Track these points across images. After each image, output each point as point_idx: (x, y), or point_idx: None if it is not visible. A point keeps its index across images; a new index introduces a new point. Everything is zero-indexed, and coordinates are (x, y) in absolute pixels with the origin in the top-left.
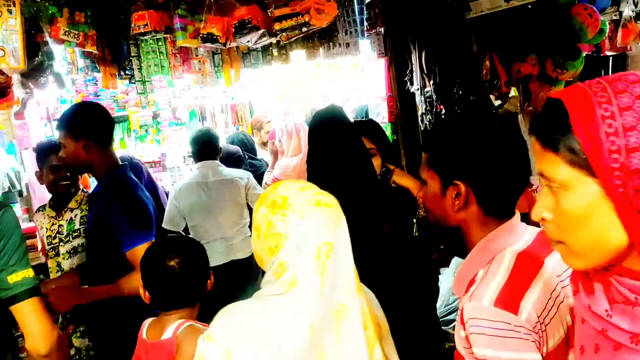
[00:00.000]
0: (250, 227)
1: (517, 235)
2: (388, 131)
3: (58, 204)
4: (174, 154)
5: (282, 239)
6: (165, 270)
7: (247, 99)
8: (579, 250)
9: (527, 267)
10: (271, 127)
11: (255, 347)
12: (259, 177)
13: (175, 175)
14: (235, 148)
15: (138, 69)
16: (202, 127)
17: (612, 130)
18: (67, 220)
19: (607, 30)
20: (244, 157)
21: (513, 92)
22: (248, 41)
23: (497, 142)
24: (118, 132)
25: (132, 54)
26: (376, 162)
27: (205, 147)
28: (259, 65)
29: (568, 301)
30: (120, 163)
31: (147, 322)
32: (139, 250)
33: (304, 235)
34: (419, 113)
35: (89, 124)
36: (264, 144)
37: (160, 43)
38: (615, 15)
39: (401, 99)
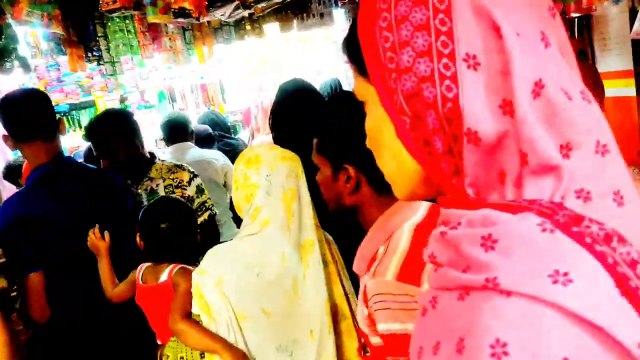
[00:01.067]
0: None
1: (413, 210)
2: None
3: None
4: (145, 137)
5: (256, 189)
6: (160, 226)
7: (217, 78)
8: (389, 177)
9: (424, 239)
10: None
11: (240, 274)
12: (235, 158)
13: None
14: (203, 127)
15: (106, 49)
16: (172, 111)
17: (386, 24)
18: None
19: None
20: (215, 135)
21: None
22: (222, 15)
23: None
24: (84, 118)
25: (99, 34)
26: None
27: (176, 130)
28: (232, 40)
29: None
30: (63, 156)
31: (142, 267)
32: None
33: (273, 183)
34: None
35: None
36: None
37: (127, 21)
38: None
39: None
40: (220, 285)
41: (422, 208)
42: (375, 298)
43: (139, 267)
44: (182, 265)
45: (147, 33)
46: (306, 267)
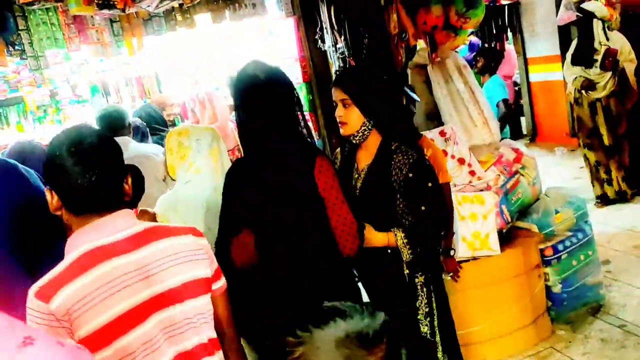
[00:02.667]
0: None
1: (105, 232)
2: (303, 92)
3: None
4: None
5: (188, 150)
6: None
7: (152, 71)
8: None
9: (85, 261)
10: (174, 109)
11: (189, 205)
12: None
13: None
14: (135, 120)
15: (29, 43)
16: (108, 104)
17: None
18: None
19: None
20: (149, 127)
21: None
22: (148, 6)
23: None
24: (13, 115)
25: (21, 28)
26: (352, 113)
27: (113, 124)
28: (162, 31)
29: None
30: None
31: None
32: None
33: (202, 145)
34: (333, 70)
35: None
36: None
37: (50, 13)
38: None
39: (314, 58)
40: (178, 214)
41: (126, 231)
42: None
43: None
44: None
45: (72, 25)
46: None
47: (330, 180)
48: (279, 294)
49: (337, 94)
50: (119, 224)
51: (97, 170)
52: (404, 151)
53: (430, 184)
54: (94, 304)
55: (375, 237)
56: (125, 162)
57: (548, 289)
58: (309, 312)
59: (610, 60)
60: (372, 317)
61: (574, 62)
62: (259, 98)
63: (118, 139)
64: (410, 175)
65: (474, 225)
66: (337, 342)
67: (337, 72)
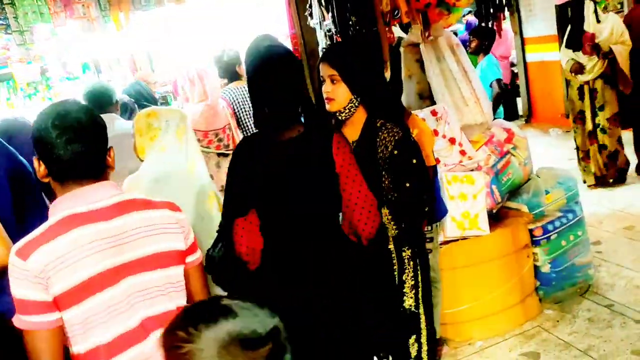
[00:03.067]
0: None
1: (84, 201)
2: None
3: None
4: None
5: (158, 130)
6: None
7: (143, 48)
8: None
9: (62, 226)
10: (156, 86)
11: (153, 184)
12: None
13: None
14: (123, 97)
15: (14, 17)
16: (94, 81)
17: None
18: None
19: None
20: (138, 104)
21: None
22: None
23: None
24: (2, 91)
25: (6, 1)
26: (340, 89)
27: (100, 101)
28: (150, 7)
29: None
30: None
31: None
32: None
33: (170, 125)
34: (320, 48)
35: None
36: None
37: None
38: None
39: (305, 35)
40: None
41: (103, 201)
42: None
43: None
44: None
45: (57, 0)
46: (192, 171)
47: (348, 157)
48: (285, 286)
49: (325, 70)
50: (100, 194)
51: (79, 143)
52: (389, 128)
53: (414, 161)
54: (67, 265)
55: None
56: (111, 140)
57: (537, 268)
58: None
59: (589, 45)
60: (262, 320)
61: (567, 45)
62: (283, 71)
63: (104, 116)
64: (395, 152)
65: (464, 204)
66: (220, 346)
67: (324, 49)
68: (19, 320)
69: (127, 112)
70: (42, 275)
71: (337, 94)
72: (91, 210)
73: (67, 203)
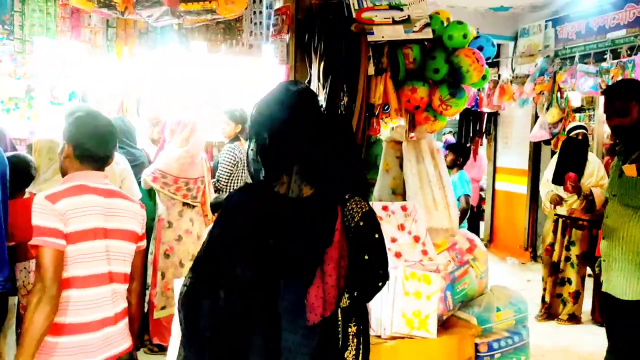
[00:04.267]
0: None
1: (91, 180)
2: None
3: None
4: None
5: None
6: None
7: (136, 90)
8: None
9: (77, 189)
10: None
11: None
12: (135, 168)
13: None
14: None
15: (20, 26)
16: (80, 104)
17: None
18: None
19: (487, 88)
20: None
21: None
22: (149, 16)
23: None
24: None
25: (16, 9)
26: None
27: None
28: (156, 47)
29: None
30: None
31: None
32: None
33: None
34: None
35: None
36: (154, 141)
37: (49, 3)
38: (495, 76)
39: None
40: None
41: (102, 183)
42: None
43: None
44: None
45: (68, 19)
46: None
47: (340, 228)
48: None
49: None
50: (100, 179)
51: (107, 150)
52: (357, 201)
53: (377, 236)
54: (78, 215)
55: None
56: None
57: None
58: None
59: (571, 184)
60: None
61: (553, 180)
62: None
63: None
64: (361, 223)
65: (417, 303)
66: None
67: None
68: (42, 240)
69: None
70: (64, 216)
71: None
72: (95, 187)
73: (81, 178)
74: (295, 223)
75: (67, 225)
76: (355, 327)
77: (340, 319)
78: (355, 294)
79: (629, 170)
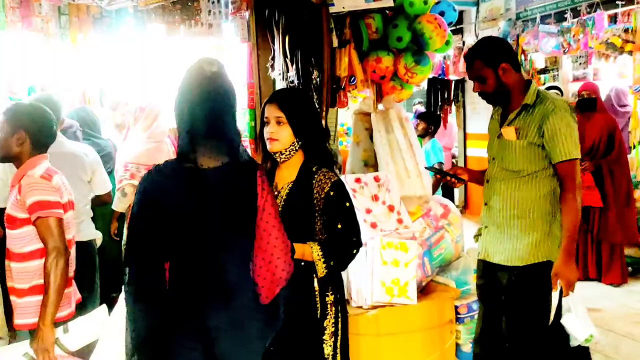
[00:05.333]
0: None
1: (48, 163)
2: (247, 118)
3: None
4: None
5: None
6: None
7: (97, 79)
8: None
9: (52, 170)
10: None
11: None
12: (103, 158)
13: None
14: (70, 121)
15: None
16: (42, 92)
17: None
18: None
19: (452, 56)
20: (81, 132)
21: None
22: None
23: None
24: None
25: None
26: (284, 131)
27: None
28: (111, 33)
29: None
30: None
31: None
32: None
33: None
34: None
35: None
36: (118, 126)
37: None
38: (459, 42)
39: (262, 86)
40: None
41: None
42: (27, 187)
43: None
44: None
45: (17, 9)
46: None
47: (269, 195)
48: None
49: (272, 111)
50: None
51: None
52: (324, 172)
53: (347, 204)
54: (63, 190)
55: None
56: (57, 157)
57: (458, 347)
58: None
59: None
60: None
61: None
62: (228, 98)
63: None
64: (332, 193)
65: (395, 271)
66: None
67: (273, 93)
68: (48, 212)
69: (72, 136)
70: (59, 190)
71: (281, 136)
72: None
73: (42, 161)
74: (213, 192)
75: (62, 198)
76: (332, 296)
77: (317, 289)
78: (332, 263)
79: (508, 133)
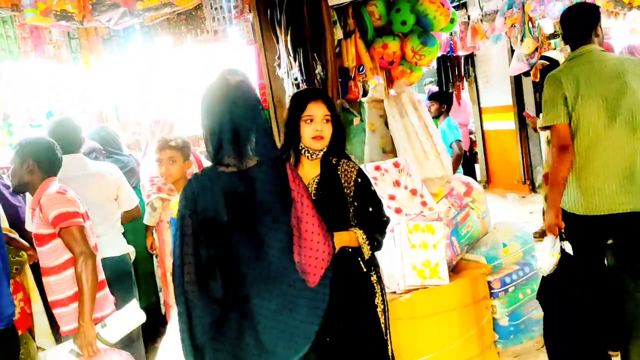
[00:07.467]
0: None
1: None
2: None
3: None
4: None
5: None
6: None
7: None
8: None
9: (64, 187)
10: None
11: None
12: (126, 175)
13: None
14: (93, 144)
15: None
16: (61, 116)
17: None
18: None
19: (459, 32)
20: (104, 153)
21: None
22: (108, 20)
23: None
24: None
25: None
26: (328, 129)
27: (65, 139)
28: (121, 51)
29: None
30: None
31: None
32: None
33: None
34: (286, 96)
35: None
36: (129, 146)
37: (7, 26)
38: (464, 17)
39: (273, 86)
40: None
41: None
42: (46, 203)
43: None
44: None
45: (28, 39)
46: None
47: (302, 186)
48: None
49: (320, 109)
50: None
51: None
52: (346, 162)
53: (373, 188)
54: (79, 202)
55: (341, 237)
56: (79, 180)
57: (495, 321)
58: None
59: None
60: None
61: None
62: (254, 102)
63: (70, 157)
64: (359, 180)
65: (425, 253)
66: None
67: (311, 90)
68: (70, 222)
69: (93, 157)
70: (76, 202)
71: (327, 133)
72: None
73: (54, 183)
74: (253, 190)
75: (79, 208)
76: (375, 275)
77: (365, 269)
78: (375, 244)
79: None
